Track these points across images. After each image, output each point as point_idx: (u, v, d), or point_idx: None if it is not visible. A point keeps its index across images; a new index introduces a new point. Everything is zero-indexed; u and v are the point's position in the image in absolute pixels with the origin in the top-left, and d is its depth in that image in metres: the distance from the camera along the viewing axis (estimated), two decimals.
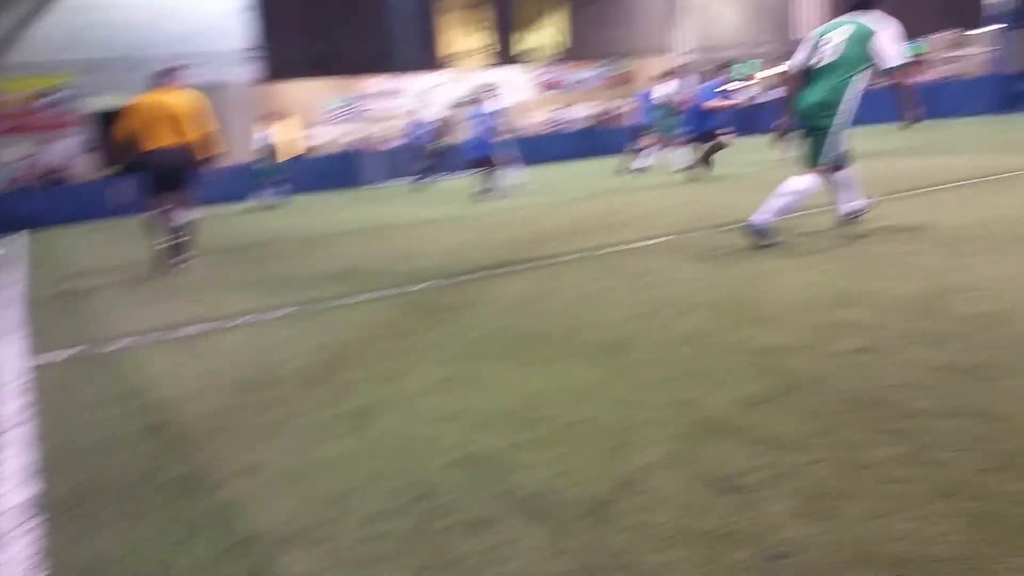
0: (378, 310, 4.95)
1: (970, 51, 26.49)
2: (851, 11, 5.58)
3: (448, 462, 2.50)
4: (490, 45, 27.81)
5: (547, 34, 28.78)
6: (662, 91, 14.62)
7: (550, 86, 28.74)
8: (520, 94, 26.65)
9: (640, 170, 14.83)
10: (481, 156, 13.25)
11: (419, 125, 19.32)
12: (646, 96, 15.24)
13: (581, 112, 28.01)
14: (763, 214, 5.51)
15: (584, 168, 19.00)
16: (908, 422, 2.39)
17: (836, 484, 2.08)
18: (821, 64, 5.47)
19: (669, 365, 3.19)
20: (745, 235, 5.58)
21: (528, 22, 28.52)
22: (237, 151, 22.30)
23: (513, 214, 9.96)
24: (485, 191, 13.18)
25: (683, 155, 14.22)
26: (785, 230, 5.67)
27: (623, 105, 28.31)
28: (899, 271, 4.31)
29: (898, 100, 5.46)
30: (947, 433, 2.28)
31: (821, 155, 5.50)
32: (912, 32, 28.04)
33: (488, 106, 13.38)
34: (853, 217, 5.87)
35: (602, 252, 6.08)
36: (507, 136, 13.41)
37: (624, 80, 29.41)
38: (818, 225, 6.06)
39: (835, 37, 5.47)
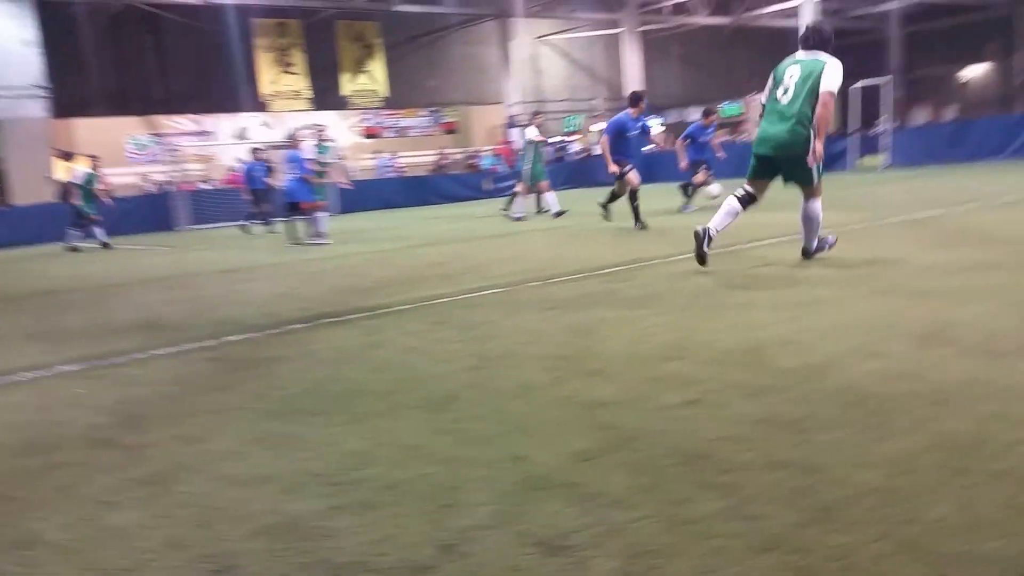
0: (183, 364, 4.58)
1: None
2: (808, 50, 6.11)
3: (255, 529, 2.27)
4: (309, 88, 27.45)
5: (369, 80, 28.76)
6: (531, 135, 14.61)
7: (372, 132, 28.66)
8: (341, 139, 26.41)
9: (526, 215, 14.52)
10: (298, 201, 12.92)
11: (248, 167, 18.59)
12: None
13: (413, 159, 28.08)
14: (809, 241, 6.38)
15: (416, 215, 18.95)
16: (731, 476, 2.38)
17: (661, 540, 2.03)
18: (785, 98, 6.04)
19: (498, 420, 3.09)
20: (806, 258, 6.43)
21: (350, 67, 28.41)
22: (28, 190, 20.80)
23: (339, 262, 9.70)
24: (310, 237, 12.81)
25: (522, 204, 14.42)
26: (625, 279, 5.78)
27: (458, 152, 28.70)
28: (724, 323, 4.43)
29: (816, 124, 5.92)
30: (768, 486, 2.29)
31: (811, 175, 6.09)
32: (730, 94, 30.32)
33: (308, 150, 13.08)
34: (702, 247, 6.26)
35: (433, 303, 5.96)
36: (332, 181, 13.13)
37: (453, 129, 29.79)
38: (649, 276, 6.22)
39: (796, 72, 6.01)
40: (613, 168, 10.75)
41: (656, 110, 30.22)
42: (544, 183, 14.62)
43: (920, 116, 30.16)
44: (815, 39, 6.12)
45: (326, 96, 27.71)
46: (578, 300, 5.56)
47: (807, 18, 22.99)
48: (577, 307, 5.31)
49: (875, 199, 12.58)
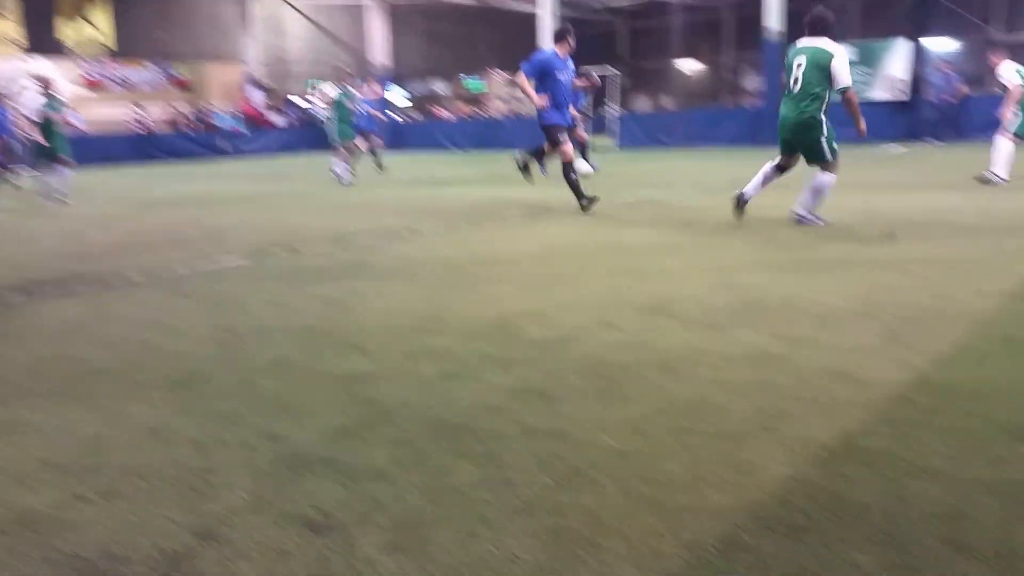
0: None
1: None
2: (810, 35, 6.63)
3: None
4: (22, 34, 24.37)
5: (92, 28, 26.05)
6: (331, 93, 13.68)
7: (94, 84, 26.07)
8: (58, 89, 23.78)
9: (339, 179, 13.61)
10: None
11: None
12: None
13: (146, 113, 25.84)
14: (801, 208, 6.80)
15: (146, 173, 17.53)
16: (488, 444, 2.50)
17: (425, 511, 2.09)
18: (796, 87, 6.59)
19: (250, 398, 3.00)
20: (795, 224, 6.79)
21: (68, 13, 25.56)
22: None
23: (59, 224, 8.80)
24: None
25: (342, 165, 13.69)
26: (377, 250, 5.73)
27: (192, 109, 26.82)
28: (476, 296, 4.58)
29: (851, 116, 6.56)
30: (522, 453, 2.43)
31: (825, 154, 6.59)
32: (473, 69, 31.04)
33: (31, 101, 11.66)
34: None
35: (172, 272, 5.60)
36: (66, 130, 11.74)
37: (186, 85, 27.85)
38: (402, 248, 6.25)
39: (803, 62, 6.56)
40: (540, 102, 8.13)
41: (400, 80, 30.18)
42: (352, 143, 13.92)
43: (643, 103, 32.64)
44: (819, 25, 6.64)
45: (41, 43, 24.68)
46: (330, 271, 5.49)
47: (546, 8, 23.90)
48: (329, 278, 5.24)
49: (604, 179, 13.47)
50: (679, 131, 22.59)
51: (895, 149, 17.22)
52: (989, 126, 17.41)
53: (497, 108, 28.15)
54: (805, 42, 6.79)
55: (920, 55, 20.85)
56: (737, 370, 3.15)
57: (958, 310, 3.92)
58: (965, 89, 18.94)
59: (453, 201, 9.84)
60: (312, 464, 2.39)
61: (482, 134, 24.87)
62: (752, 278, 4.87)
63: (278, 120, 27.57)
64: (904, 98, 20.16)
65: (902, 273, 4.81)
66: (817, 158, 6.83)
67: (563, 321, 3.97)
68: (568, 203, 8.38)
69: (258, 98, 28.15)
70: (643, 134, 23.09)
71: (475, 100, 30.17)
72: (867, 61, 20.75)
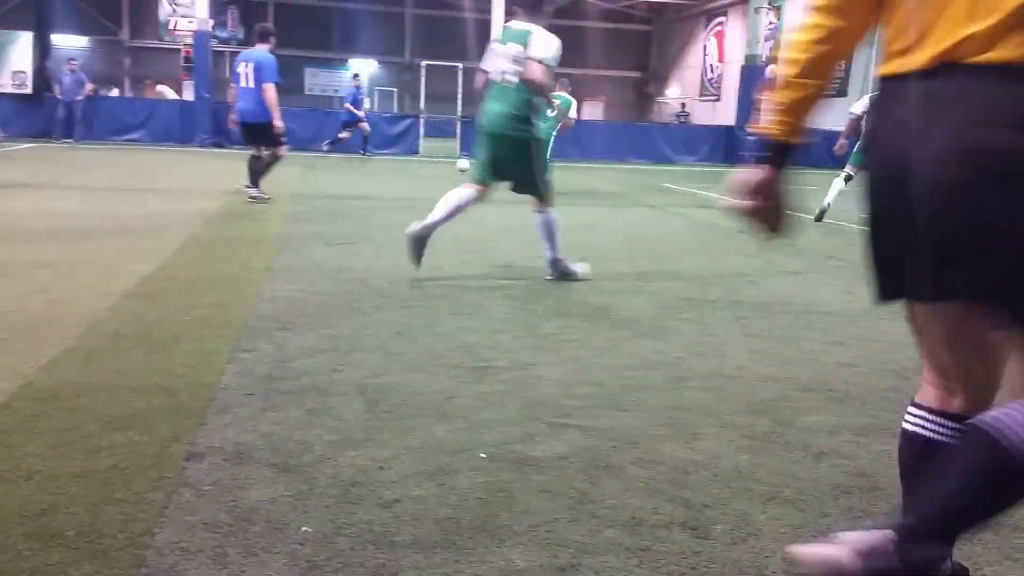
0: None
1: None
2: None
3: None
4: None
5: None
6: None
7: None
8: None
9: None
10: None
11: None
12: None
13: None
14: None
15: None
16: None
17: None
18: None
19: None
20: None
21: None
22: None
23: None
24: None
25: None
26: None
27: None
28: None
29: None
30: None
31: None
32: None
33: None
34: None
35: None
36: None
37: None
38: None
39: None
40: (280, 124, 8.85)
41: None
42: None
43: None
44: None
45: None
46: None
47: None
48: None
49: None
50: None
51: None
52: (118, 127, 18.33)
53: None
54: None
55: (46, 51, 20.58)
56: None
57: (71, 312, 4.06)
58: (92, 88, 19.59)
59: None
60: None
61: None
62: None
63: None
64: (27, 91, 19.71)
65: (13, 278, 4.73)
66: None
67: None
68: None
69: None
70: None
71: None
72: None
